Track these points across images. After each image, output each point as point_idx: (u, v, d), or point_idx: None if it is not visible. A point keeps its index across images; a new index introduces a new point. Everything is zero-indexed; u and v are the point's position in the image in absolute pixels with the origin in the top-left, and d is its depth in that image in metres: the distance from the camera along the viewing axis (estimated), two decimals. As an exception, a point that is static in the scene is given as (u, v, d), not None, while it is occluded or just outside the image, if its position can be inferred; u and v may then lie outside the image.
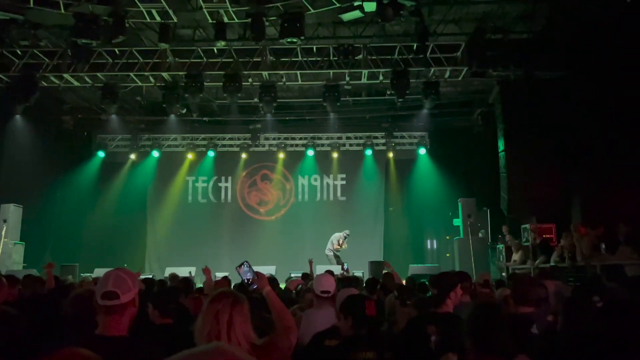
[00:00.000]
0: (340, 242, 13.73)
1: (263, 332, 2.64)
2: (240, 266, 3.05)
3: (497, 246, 12.89)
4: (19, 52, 11.97)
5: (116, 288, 2.30)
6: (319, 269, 11.05)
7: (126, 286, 2.33)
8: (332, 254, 13.64)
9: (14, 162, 13.39)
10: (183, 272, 10.59)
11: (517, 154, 12.63)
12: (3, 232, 12.20)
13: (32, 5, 9.69)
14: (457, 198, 14.05)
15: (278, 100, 13.27)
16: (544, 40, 11.46)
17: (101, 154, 16.36)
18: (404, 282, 6.49)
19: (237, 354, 1.10)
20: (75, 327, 2.94)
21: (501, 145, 13.07)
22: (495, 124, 13.47)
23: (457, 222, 13.88)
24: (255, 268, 3.08)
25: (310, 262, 8.70)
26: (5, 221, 12.40)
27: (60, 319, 3.68)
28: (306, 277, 7.77)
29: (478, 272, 10.32)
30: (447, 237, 14.78)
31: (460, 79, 12.86)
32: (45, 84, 12.69)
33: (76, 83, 12.94)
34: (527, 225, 11.92)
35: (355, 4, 9.73)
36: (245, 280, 3.01)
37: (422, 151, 16.07)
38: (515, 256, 11.85)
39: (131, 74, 12.49)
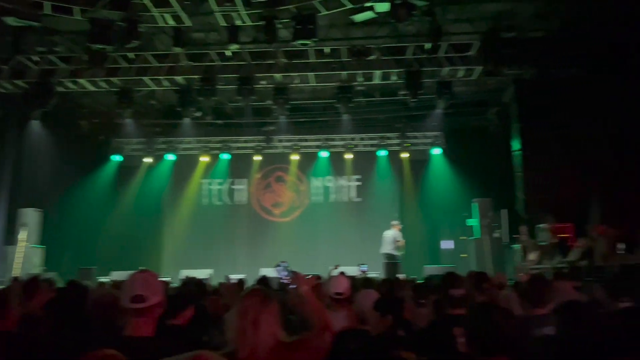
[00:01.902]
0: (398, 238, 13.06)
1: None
2: (277, 265, 3.10)
3: (514, 246, 12.78)
4: (36, 59, 12.14)
5: (143, 291, 2.35)
6: (335, 271, 11.05)
7: (153, 289, 2.38)
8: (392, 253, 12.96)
9: (32, 167, 13.61)
10: (199, 274, 10.70)
11: (533, 153, 12.52)
12: (23, 236, 12.38)
13: (48, 11, 9.83)
14: (472, 198, 13.96)
15: (291, 102, 13.31)
16: (559, 38, 11.35)
17: (117, 157, 16.57)
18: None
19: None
20: (99, 328, 3.00)
21: (517, 144, 12.96)
22: (511, 123, 13.36)
23: (472, 222, 13.78)
24: (269, 270, 3.14)
25: (336, 267, 8.65)
26: (24, 225, 12.59)
27: (82, 320, 3.75)
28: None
29: (495, 272, 10.23)
30: (463, 238, 14.68)
31: (474, 78, 12.78)
32: (62, 89, 12.87)
33: (92, 88, 13.10)
34: (543, 225, 11.80)
35: (368, 4, 9.72)
36: (282, 279, 3.06)
37: (437, 151, 15.99)
38: (532, 256, 11.73)
39: (146, 78, 12.60)
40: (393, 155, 16.35)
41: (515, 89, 12.94)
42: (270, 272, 8.84)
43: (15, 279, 9.15)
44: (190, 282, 7.32)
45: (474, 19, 11.51)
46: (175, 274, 12.90)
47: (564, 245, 11.02)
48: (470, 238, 13.72)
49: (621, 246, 9.51)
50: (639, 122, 10.07)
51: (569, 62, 11.57)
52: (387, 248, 12.99)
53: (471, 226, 13.82)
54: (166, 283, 7.08)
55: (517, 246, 12.51)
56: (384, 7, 9.46)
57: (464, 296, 3.53)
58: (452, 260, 14.79)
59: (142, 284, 2.37)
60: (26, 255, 12.39)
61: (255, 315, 2.33)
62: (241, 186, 17.02)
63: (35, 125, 13.42)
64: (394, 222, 13.38)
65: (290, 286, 3.13)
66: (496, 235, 13.24)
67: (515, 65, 11.66)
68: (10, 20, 9.57)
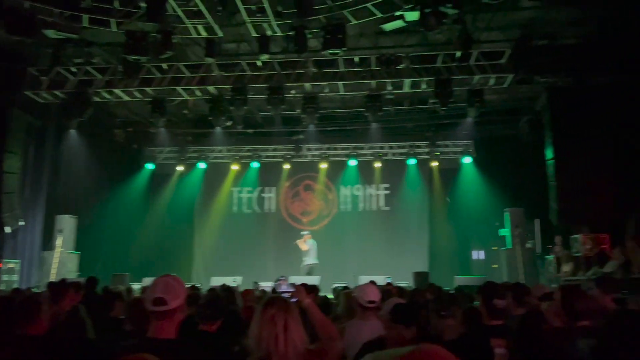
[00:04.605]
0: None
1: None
2: (278, 281, 3.15)
3: (547, 257, 12.48)
4: (74, 70, 12.54)
5: (164, 294, 2.40)
6: (364, 280, 10.99)
7: (174, 293, 2.42)
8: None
9: (69, 174, 14.02)
10: (229, 281, 10.80)
11: (567, 162, 12.22)
12: (59, 242, 12.73)
13: (86, 24, 10.16)
14: (503, 208, 13.72)
15: (320, 111, 13.37)
16: (595, 45, 11.10)
17: (150, 166, 16.95)
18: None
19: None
20: (129, 329, 3.07)
21: (550, 153, 12.68)
22: (543, 132, 13.09)
23: (504, 232, 13.54)
24: (300, 278, 3.16)
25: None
26: (61, 231, 12.94)
27: (112, 321, 3.84)
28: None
29: (527, 284, 10.00)
30: (494, 248, 14.42)
31: (505, 86, 12.60)
32: (98, 99, 13.24)
33: (127, 98, 13.44)
34: (578, 236, 11.50)
35: (397, 13, 9.71)
36: (284, 294, 3.10)
37: (467, 160, 15.81)
38: (566, 267, 11.44)
39: (178, 88, 12.87)
40: (422, 164, 16.23)
41: (548, 97, 12.68)
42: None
43: (50, 284, 9.43)
44: (219, 289, 7.40)
45: (506, 27, 11.36)
46: (206, 280, 13.05)
47: (601, 257, 10.71)
48: (502, 248, 13.48)
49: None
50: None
51: (605, 69, 11.28)
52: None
53: (503, 236, 13.58)
54: (195, 288, 7.21)
55: (550, 257, 12.22)
56: (413, 15, 9.43)
57: (505, 307, 3.48)
58: (483, 270, 14.55)
59: (164, 287, 2.43)
60: (62, 260, 12.71)
61: (284, 321, 2.36)
62: (270, 194, 17.15)
63: (72, 134, 13.83)
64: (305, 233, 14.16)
65: (292, 299, 3.17)
66: (529, 245, 12.98)
67: (549, 72, 11.45)
68: (51, 33, 9.92)
